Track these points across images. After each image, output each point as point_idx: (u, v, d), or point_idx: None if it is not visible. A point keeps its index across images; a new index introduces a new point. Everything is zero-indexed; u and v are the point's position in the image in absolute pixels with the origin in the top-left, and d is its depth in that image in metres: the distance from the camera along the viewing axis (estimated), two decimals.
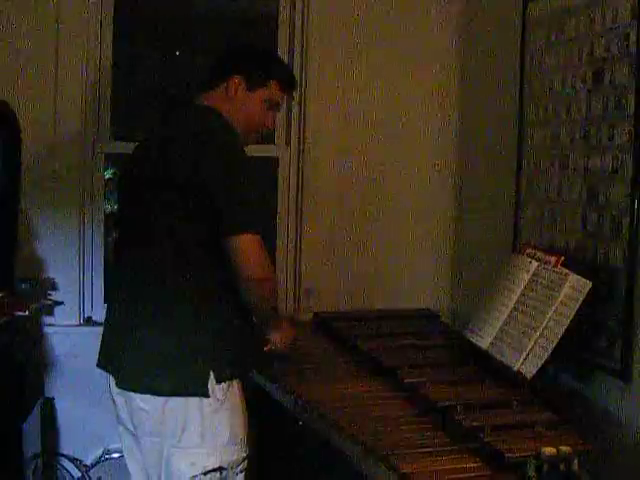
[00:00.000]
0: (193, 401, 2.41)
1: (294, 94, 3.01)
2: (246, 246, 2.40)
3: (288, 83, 2.74)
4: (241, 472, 2.51)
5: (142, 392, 2.43)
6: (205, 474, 2.43)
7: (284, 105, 2.87)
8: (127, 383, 2.47)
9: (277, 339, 2.72)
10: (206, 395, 2.41)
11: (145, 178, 2.53)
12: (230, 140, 2.49)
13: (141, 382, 2.44)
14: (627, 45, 2.54)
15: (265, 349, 2.73)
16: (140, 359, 2.45)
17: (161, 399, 2.41)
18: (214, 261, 2.44)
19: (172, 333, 2.43)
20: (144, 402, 2.43)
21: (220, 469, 2.45)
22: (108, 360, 2.57)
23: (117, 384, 2.51)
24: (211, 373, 2.41)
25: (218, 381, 2.43)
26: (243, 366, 2.57)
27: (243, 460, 2.51)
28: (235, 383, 2.50)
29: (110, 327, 2.60)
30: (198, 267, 2.45)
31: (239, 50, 2.77)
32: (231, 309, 2.49)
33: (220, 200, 2.40)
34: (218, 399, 2.43)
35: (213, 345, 2.45)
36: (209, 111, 2.57)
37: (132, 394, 2.46)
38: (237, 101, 2.61)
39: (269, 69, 2.68)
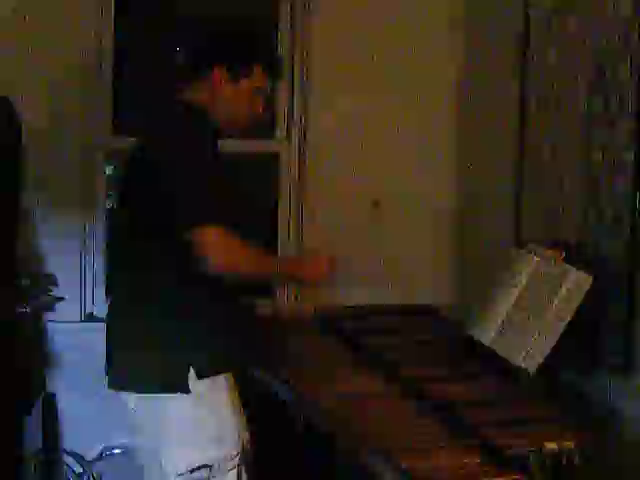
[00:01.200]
0: (174, 398, 2.40)
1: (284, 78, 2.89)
2: (198, 238, 2.32)
3: (272, 66, 2.62)
4: (232, 469, 2.47)
5: (126, 390, 2.45)
6: (191, 472, 2.41)
7: (272, 87, 2.70)
8: (114, 383, 2.49)
9: (317, 281, 2.68)
10: (186, 391, 2.39)
11: (127, 178, 2.58)
12: (194, 140, 2.43)
13: (125, 380, 2.45)
14: (628, 40, 2.54)
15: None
16: (123, 357, 2.47)
17: (143, 396, 2.42)
18: (194, 256, 2.38)
19: (151, 329, 2.42)
20: (130, 400, 2.45)
21: (206, 467, 2.42)
22: (105, 361, 2.57)
23: (108, 385, 2.51)
24: (191, 369, 2.40)
25: (199, 377, 2.41)
26: (229, 362, 2.53)
27: (233, 458, 2.47)
28: (222, 378, 2.47)
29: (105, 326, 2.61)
30: (177, 263, 2.40)
31: (218, 38, 2.62)
32: (215, 304, 2.47)
33: (178, 196, 2.36)
34: (200, 395, 2.41)
35: (194, 340, 2.42)
36: (187, 107, 2.52)
37: (120, 392, 2.48)
38: (222, 94, 2.54)
39: (250, 55, 2.57)
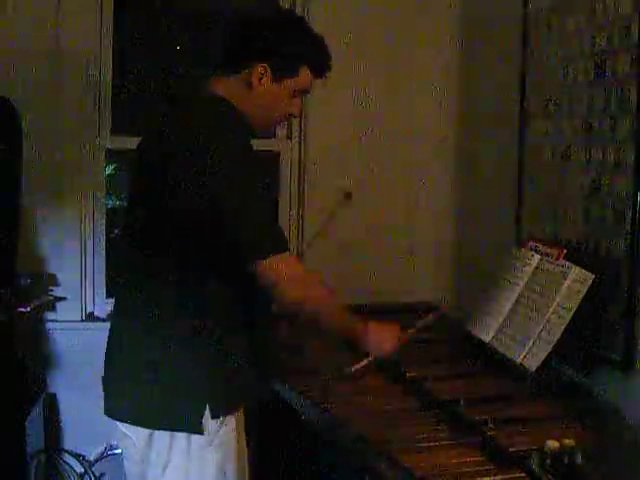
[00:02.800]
0: (180, 436, 2.18)
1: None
2: (271, 271, 2.12)
3: (322, 68, 2.34)
4: None
5: (127, 422, 2.23)
6: None
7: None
8: (113, 411, 2.28)
9: (375, 346, 2.43)
10: (199, 431, 2.17)
11: (142, 180, 2.28)
12: (235, 146, 2.14)
13: (127, 412, 2.23)
14: (628, 37, 2.53)
15: (354, 368, 2.47)
16: (128, 387, 2.23)
17: (147, 431, 2.19)
18: (215, 284, 2.18)
19: (166, 361, 2.18)
20: (128, 430, 2.24)
21: None
22: (103, 381, 2.35)
23: (105, 411, 2.30)
24: (207, 407, 2.17)
25: (213, 416, 2.18)
26: (242, 399, 2.30)
27: None
28: (230, 418, 2.24)
29: (107, 341, 2.36)
30: (197, 291, 2.17)
31: (265, 29, 2.28)
32: (235, 335, 2.24)
33: (226, 225, 2.10)
34: (208, 435, 2.19)
35: (212, 376, 2.20)
36: (216, 105, 2.23)
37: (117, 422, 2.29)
38: (260, 92, 2.26)
39: (301, 53, 2.28)
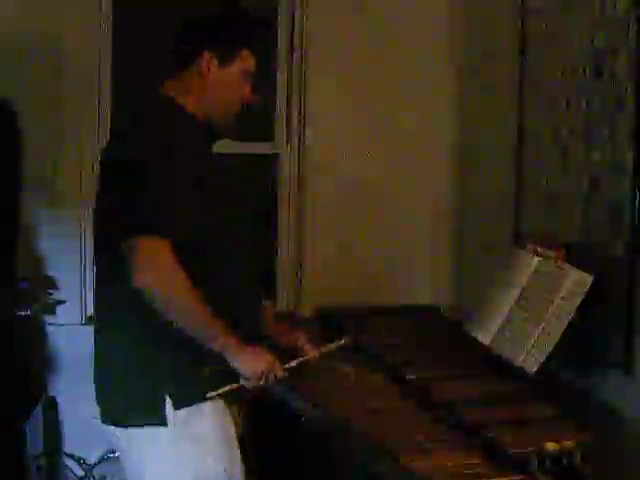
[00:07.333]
0: (150, 430, 2.19)
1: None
2: (130, 251, 2.08)
3: (252, 45, 2.37)
4: None
5: (106, 423, 2.29)
6: None
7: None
8: (100, 414, 2.32)
9: (244, 370, 2.23)
10: (163, 424, 2.17)
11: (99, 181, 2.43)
12: (157, 143, 2.17)
13: (104, 413, 2.29)
14: (627, 36, 2.53)
15: (224, 389, 2.24)
16: (101, 385, 2.30)
17: (123, 428, 2.24)
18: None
19: (125, 352, 2.21)
20: (112, 429, 2.29)
21: None
22: None
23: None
24: (167, 397, 2.17)
25: (177, 407, 2.17)
26: (212, 389, 2.24)
27: None
28: (206, 408, 2.22)
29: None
30: None
31: (199, 22, 2.38)
32: None
33: (120, 199, 2.18)
34: (177, 426, 2.18)
35: (173, 364, 2.19)
36: (157, 107, 2.30)
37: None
38: (211, 80, 2.31)
39: (239, 36, 2.35)
